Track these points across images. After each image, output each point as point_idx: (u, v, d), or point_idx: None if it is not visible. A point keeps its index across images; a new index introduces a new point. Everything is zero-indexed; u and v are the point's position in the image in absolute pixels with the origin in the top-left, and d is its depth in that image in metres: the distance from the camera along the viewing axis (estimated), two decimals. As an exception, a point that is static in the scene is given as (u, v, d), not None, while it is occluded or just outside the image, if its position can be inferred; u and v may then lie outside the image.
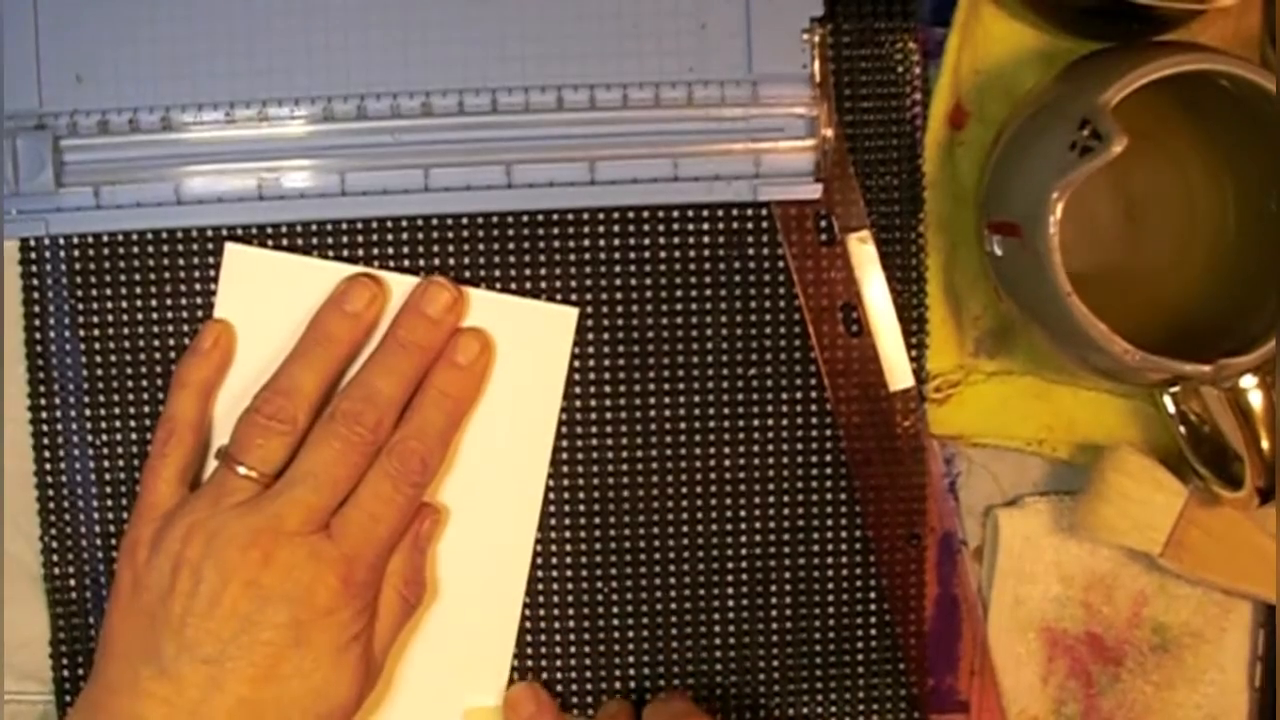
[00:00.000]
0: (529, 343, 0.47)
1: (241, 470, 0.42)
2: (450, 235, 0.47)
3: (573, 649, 0.48)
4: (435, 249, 0.47)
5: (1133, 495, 0.47)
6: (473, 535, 0.47)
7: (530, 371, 0.47)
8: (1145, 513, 0.47)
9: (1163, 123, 0.46)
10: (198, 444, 0.45)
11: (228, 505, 0.42)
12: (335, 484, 0.42)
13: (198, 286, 0.47)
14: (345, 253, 0.47)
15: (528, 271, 0.47)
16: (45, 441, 0.47)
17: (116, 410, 0.47)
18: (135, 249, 0.47)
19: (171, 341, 0.47)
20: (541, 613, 0.48)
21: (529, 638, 0.48)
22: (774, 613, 0.48)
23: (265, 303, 0.46)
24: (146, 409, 0.47)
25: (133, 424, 0.47)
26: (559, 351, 0.47)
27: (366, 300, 0.45)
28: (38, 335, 0.47)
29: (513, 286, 0.47)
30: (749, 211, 0.48)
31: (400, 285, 0.46)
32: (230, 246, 0.46)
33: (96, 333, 0.47)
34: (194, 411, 0.45)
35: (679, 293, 0.48)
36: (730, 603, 0.48)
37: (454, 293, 0.45)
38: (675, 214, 0.47)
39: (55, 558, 0.47)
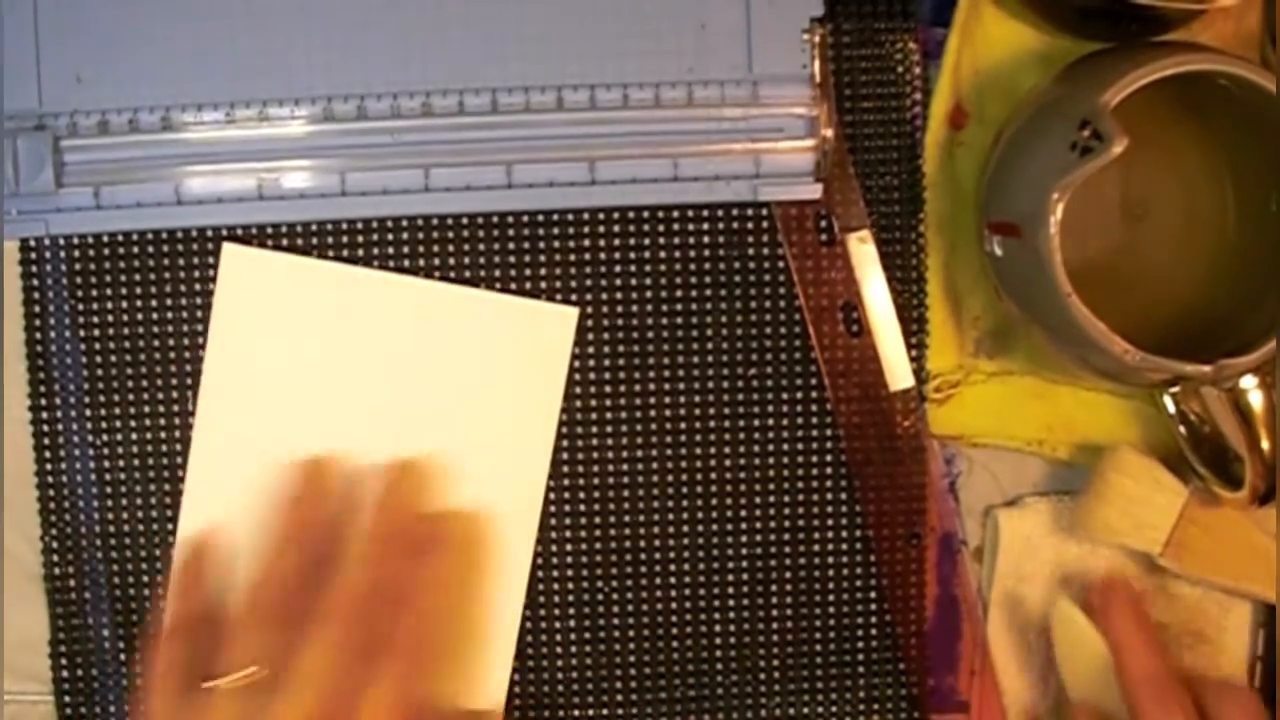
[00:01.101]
0: (529, 342, 0.47)
1: (240, 673, 0.41)
2: (450, 235, 0.47)
3: (573, 649, 0.48)
4: (435, 249, 0.47)
5: (1133, 495, 0.47)
6: None
7: (530, 371, 0.47)
8: (1145, 513, 0.47)
9: (1163, 123, 0.46)
10: (202, 640, 0.43)
11: (236, 715, 0.40)
12: (331, 683, 0.40)
13: (198, 286, 0.47)
14: (345, 253, 0.47)
15: (528, 271, 0.47)
16: (45, 441, 0.47)
17: (116, 410, 0.47)
18: (135, 249, 0.47)
19: (171, 342, 0.47)
20: (542, 613, 0.48)
21: (529, 638, 0.48)
22: (774, 613, 0.48)
23: (264, 303, 0.46)
24: (146, 409, 0.47)
25: (133, 424, 0.47)
26: (559, 351, 0.47)
27: (314, 487, 0.45)
28: (38, 335, 0.47)
29: (512, 286, 0.47)
30: (749, 211, 0.47)
31: (402, 285, 0.46)
32: (228, 247, 0.46)
33: (96, 333, 0.47)
34: (200, 609, 0.44)
35: (679, 293, 0.48)
36: (730, 603, 0.48)
37: (413, 482, 0.45)
38: (675, 214, 0.47)
39: (55, 558, 0.47)
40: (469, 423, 0.47)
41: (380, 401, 0.47)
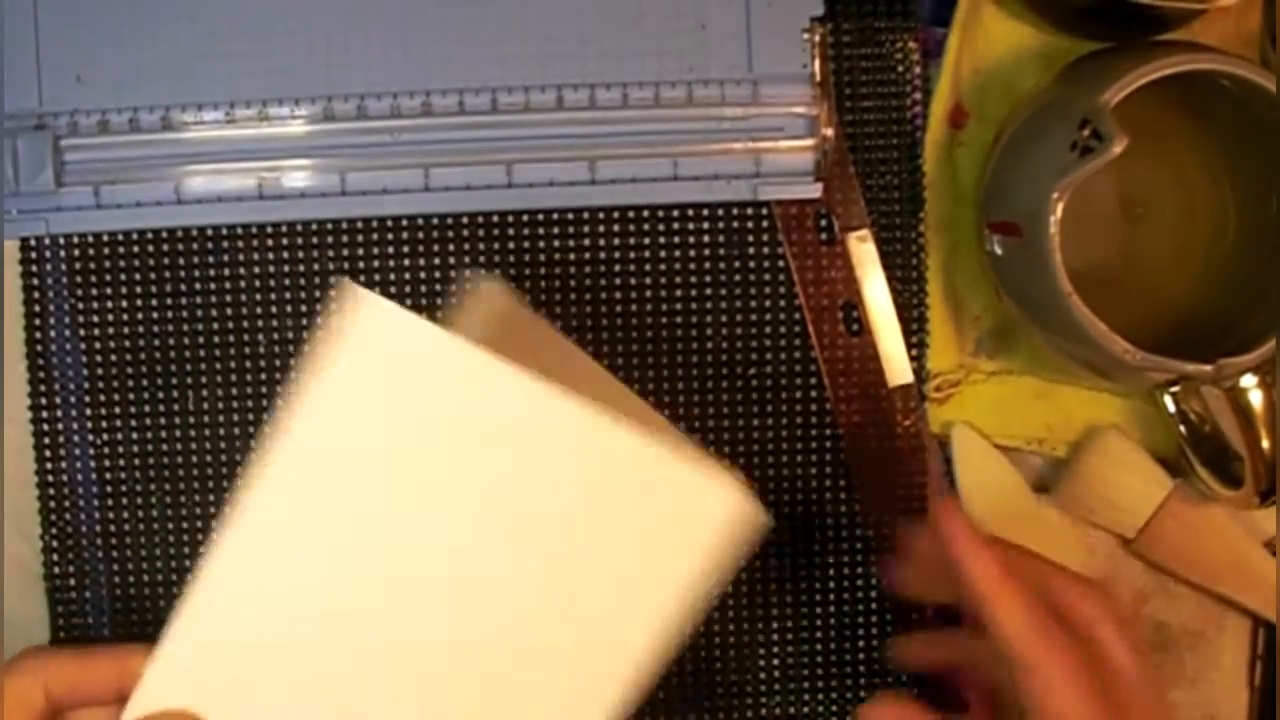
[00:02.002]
0: (665, 509, 0.37)
1: None
2: (450, 235, 0.47)
3: (573, 649, 0.48)
4: (435, 249, 0.47)
5: (1109, 478, 0.47)
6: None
7: (655, 541, 0.38)
8: (1120, 496, 0.47)
9: (1163, 123, 0.46)
10: None
11: None
12: None
13: (198, 286, 0.47)
14: (345, 252, 0.47)
15: (528, 271, 0.47)
16: (45, 441, 0.47)
17: (116, 410, 0.47)
18: (135, 249, 0.47)
19: (171, 341, 0.47)
20: (542, 612, 0.48)
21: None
22: (774, 612, 0.48)
23: (385, 372, 0.37)
24: (146, 409, 0.47)
25: (133, 424, 0.47)
26: (697, 536, 0.37)
27: None
28: (38, 335, 0.47)
29: (512, 286, 0.47)
30: (749, 211, 0.47)
31: (548, 400, 0.37)
32: (367, 297, 0.36)
33: (96, 333, 0.47)
34: None
35: (679, 292, 0.48)
36: (730, 602, 0.48)
37: None
38: (675, 214, 0.47)
39: (55, 558, 0.47)
40: (558, 585, 0.38)
41: (469, 531, 0.38)
